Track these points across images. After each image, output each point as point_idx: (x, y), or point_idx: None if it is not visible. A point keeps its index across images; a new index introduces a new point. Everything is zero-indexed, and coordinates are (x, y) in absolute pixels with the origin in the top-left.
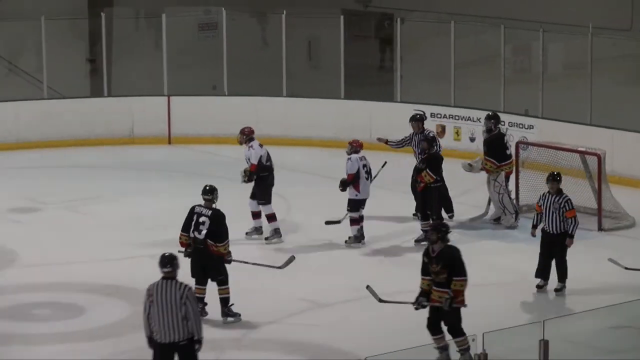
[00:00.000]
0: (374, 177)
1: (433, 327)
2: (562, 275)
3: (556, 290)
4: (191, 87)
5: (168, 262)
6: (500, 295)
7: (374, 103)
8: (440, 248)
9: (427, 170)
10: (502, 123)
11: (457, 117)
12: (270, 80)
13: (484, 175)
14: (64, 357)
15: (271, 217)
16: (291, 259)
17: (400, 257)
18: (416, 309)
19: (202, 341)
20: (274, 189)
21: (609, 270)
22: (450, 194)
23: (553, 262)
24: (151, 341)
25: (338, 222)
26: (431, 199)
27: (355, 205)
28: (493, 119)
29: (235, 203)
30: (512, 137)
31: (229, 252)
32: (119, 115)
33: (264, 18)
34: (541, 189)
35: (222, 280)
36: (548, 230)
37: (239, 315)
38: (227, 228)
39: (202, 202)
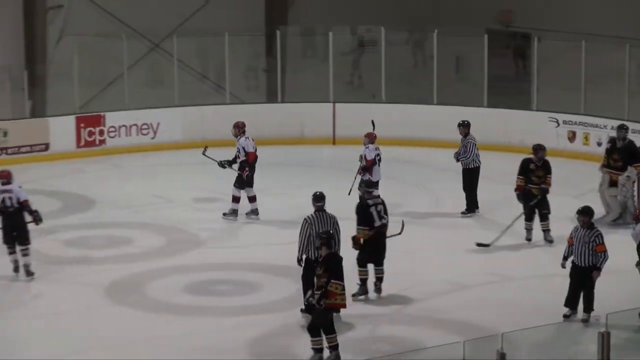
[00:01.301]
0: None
1: (312, 330)
2: (588, 306)
3: (583, 320)
4: (353, 95)
5: (321, 198)
6: (613, 281)
7: (513, 111)
8: (325, 254)
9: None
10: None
11: (586, 124)
12: (423, 90)
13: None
14: (240, 327)
15: (236, 199)
16: (403, 224)
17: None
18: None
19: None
20: None
21: None
22: (575, 192)
23: None
24: (300, 261)
25: (488, 245)
26: (546, 200)
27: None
28: (626, 129)
29: (387, 193)
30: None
31: None
32: (291, 119)
33: (418, 36)
34: None
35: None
36: (577, 263)
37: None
38: None
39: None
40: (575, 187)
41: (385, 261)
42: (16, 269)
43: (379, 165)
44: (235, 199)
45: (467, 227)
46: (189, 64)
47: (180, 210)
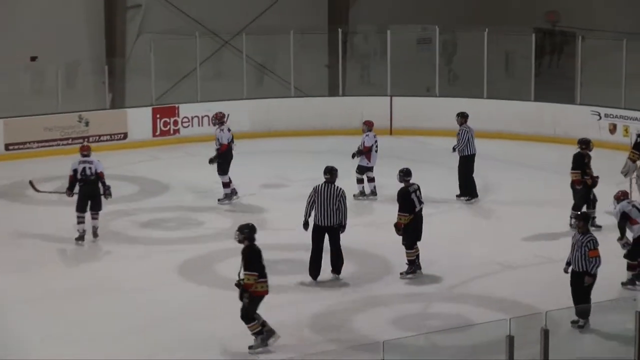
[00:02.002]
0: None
1: (245, 317)
2: (584, 312)
3: (579, 326)
4: (409, 89)
5: (329, 171)
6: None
7: (558, 105)
8: (245, 246)
9: None
10: None
11: (626, 118)
12: (473, 85)
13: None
14: (301, 304)
15: (226, 185)
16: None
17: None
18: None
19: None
20: None
21: None
22: (616, 181)
23: None
24: (306, 224)
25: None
26: None
27: (363, 170)
28: None
29: (438, 180)
30: None
31: None
32: (351, 111)
33: (469, 35)
34: None
35: None
36: (574, 268)
37: None
38: None
39: (403, 184)
40: (617, 176)
41: (438, 243)
42: (81, 238)
43: (375, 152)
44: (225, 185)
45: (515, 213)
46: (256, 60)
47: (247, 195)
